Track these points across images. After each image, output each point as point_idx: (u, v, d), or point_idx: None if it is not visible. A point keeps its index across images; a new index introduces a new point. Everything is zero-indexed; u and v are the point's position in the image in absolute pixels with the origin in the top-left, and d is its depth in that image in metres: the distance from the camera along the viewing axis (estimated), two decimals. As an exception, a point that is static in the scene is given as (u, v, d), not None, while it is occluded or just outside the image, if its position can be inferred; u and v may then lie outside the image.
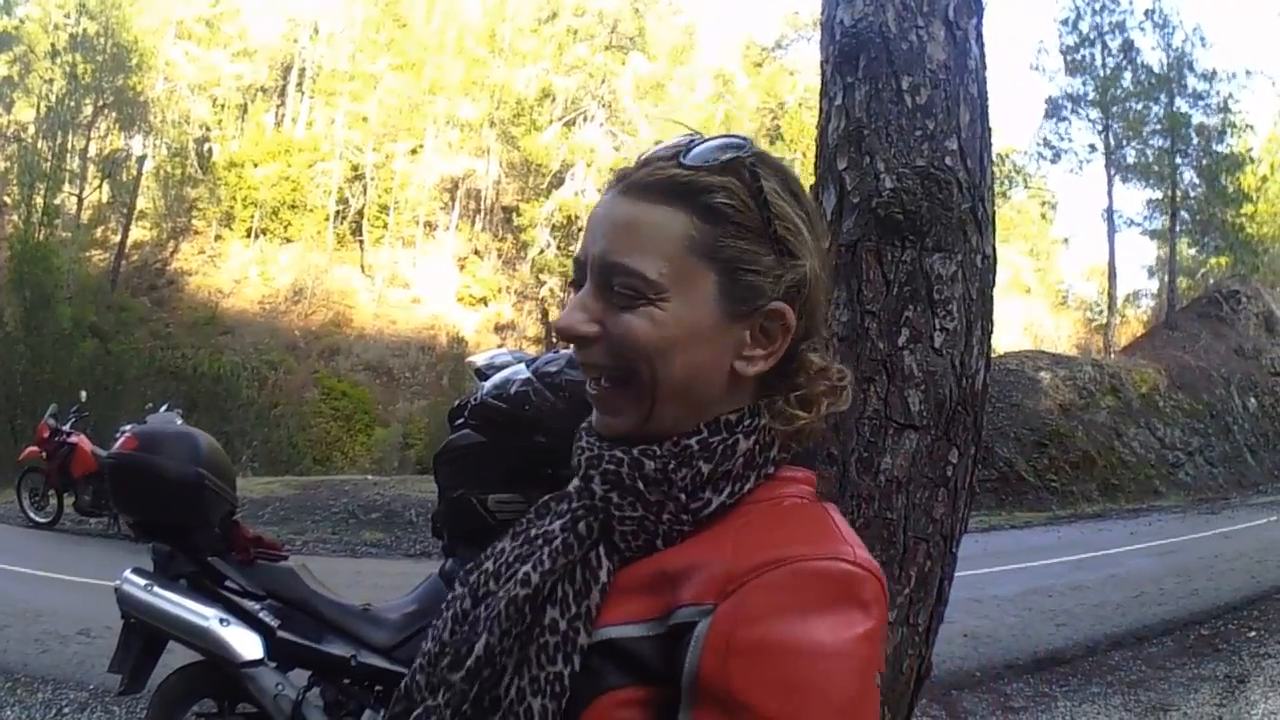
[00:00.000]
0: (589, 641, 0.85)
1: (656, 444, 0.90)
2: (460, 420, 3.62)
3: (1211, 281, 33.79)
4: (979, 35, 2.00)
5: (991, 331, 1.95)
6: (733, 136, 0.93)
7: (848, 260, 1.86)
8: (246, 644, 3.30)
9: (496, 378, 3.51)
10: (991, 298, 1.95)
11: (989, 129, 1.98)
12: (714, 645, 0.78)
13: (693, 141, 0.92)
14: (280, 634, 3.38)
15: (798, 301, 0.92)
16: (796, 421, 0.92)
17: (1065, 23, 30.90)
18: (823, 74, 2.05)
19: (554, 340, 37.26)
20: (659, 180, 0.90)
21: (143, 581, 3.36)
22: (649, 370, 0.88)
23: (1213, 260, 35.97)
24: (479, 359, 3.89)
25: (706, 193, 0.89)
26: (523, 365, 3.55)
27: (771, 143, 37.40)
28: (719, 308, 0.89)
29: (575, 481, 0.96)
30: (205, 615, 3.31)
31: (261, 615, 3.39)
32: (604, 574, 0.88)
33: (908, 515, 1.84)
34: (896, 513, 1.83)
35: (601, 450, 0.92)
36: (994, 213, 1.98)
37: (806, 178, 1.30)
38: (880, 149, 1.88)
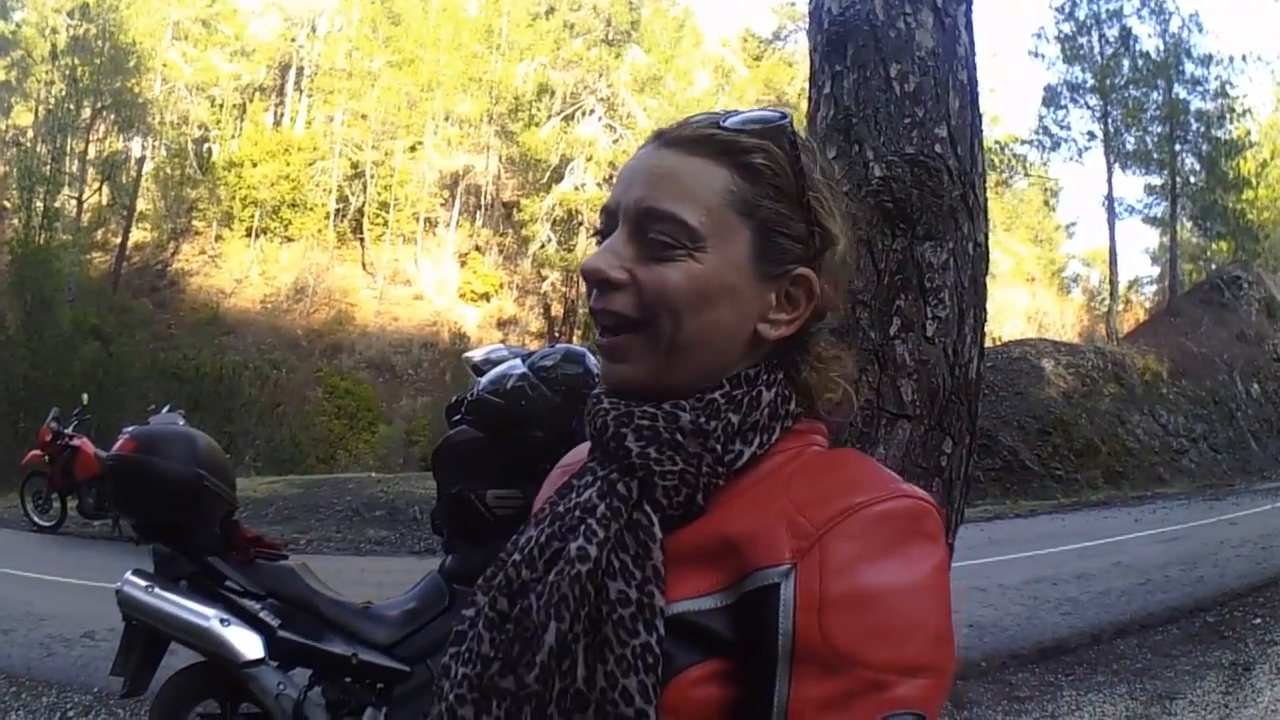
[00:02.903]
0: (665, 604, 0.81)
1: (682, 399, 0.88)
2: (458, 416, 3.62)
3: (1213, 267, 33.70)
4: (968, 22, 1.99)
5: (985, 319, 1.94)
6: (771, 109, 0.94)
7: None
8: (247, 644, 3.31)
9: (493, 373, 3.50)
10: (984, 285, 1.95)
11: (979, 116, 1.97)
12: (805, 603, 0.77)
13: (731, 112, 0.94)
14: (281, 633, 3.38)
15: (824, 272, 0.93)
16: (810, 388, 0.93)
17: (1061, 10, 30.89)
18: (811, 62, 2.04)
19: (557, 335, 37.24)
20: (701, 136, 0.91)
21: (143, 583, 3.36)
22: (672, 323, 0.87)
23: (1214, 246, 35.92)
24: (475, 354, 3.88)
25: (747, 152, 0.90)
26: (518, 360, 3.54)
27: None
28: (751, 266, 0.89)
29: (597, 450, 0.93)
30: (206, 615, 3.31)
31: (262, 615, 3.39)
32: (657, 530, 0.84)
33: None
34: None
35: (631, 408, 0.89)
36: (986, 200, 1.97)
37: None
38: (869, 137, 1.87)
